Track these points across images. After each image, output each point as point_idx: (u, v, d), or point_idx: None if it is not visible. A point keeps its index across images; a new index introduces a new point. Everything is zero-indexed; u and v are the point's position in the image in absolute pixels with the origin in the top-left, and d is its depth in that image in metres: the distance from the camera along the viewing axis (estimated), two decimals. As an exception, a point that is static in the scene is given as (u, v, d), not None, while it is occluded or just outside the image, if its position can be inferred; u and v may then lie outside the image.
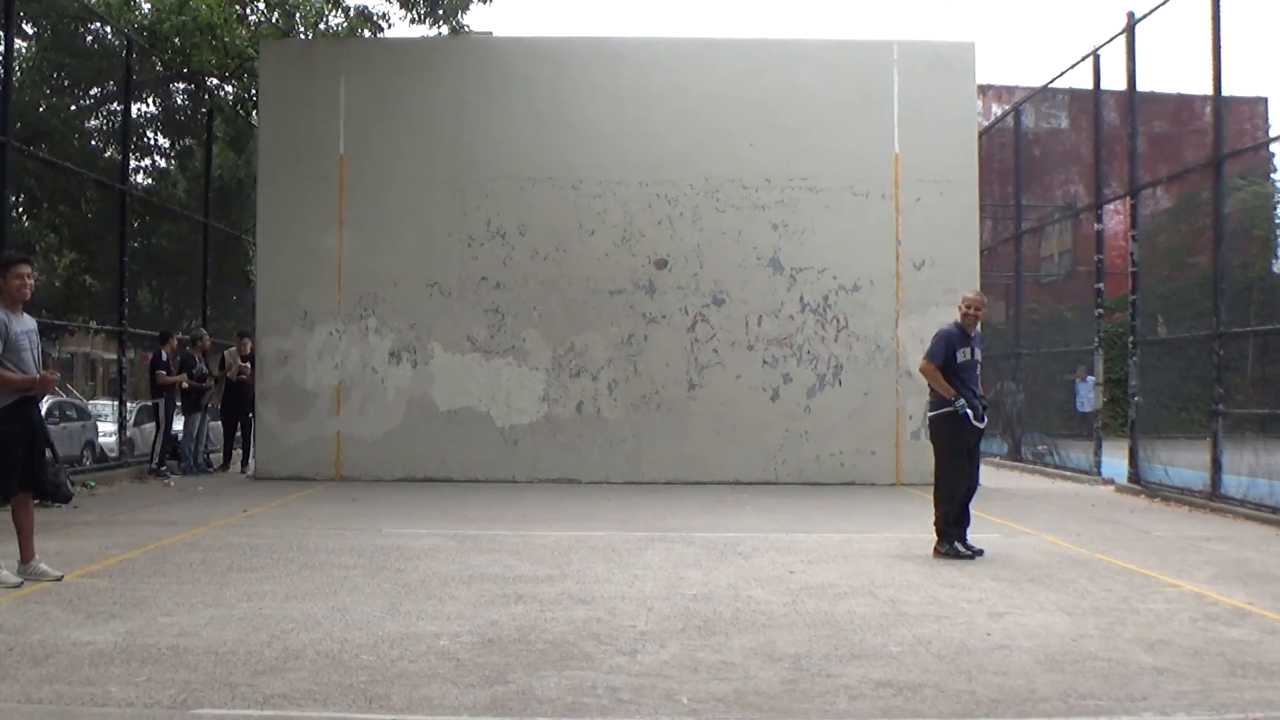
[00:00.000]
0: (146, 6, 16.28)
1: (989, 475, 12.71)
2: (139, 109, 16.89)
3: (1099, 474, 13.18)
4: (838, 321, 12.80)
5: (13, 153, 10.89)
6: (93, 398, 26.46)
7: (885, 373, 12.73)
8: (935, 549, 7.26)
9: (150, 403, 13.63)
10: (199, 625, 4.95)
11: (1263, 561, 7.16)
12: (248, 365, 14.05)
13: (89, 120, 17.11)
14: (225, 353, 14.93)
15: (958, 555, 7.12)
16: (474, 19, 14.48)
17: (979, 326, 7.71)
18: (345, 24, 16.78)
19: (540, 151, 12.95)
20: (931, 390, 7.57)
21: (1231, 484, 9.99)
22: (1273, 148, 18.70)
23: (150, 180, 18.14)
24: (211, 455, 14.70)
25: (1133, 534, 8.58)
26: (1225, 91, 10.54)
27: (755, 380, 12.77)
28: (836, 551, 7.45)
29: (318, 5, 16.65)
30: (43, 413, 6.56)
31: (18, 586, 5.77)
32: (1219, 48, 10.18)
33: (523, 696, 3.90)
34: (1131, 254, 12.25)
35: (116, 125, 16.03)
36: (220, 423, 15.00)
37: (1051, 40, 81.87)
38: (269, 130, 13.41)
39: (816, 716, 3.74)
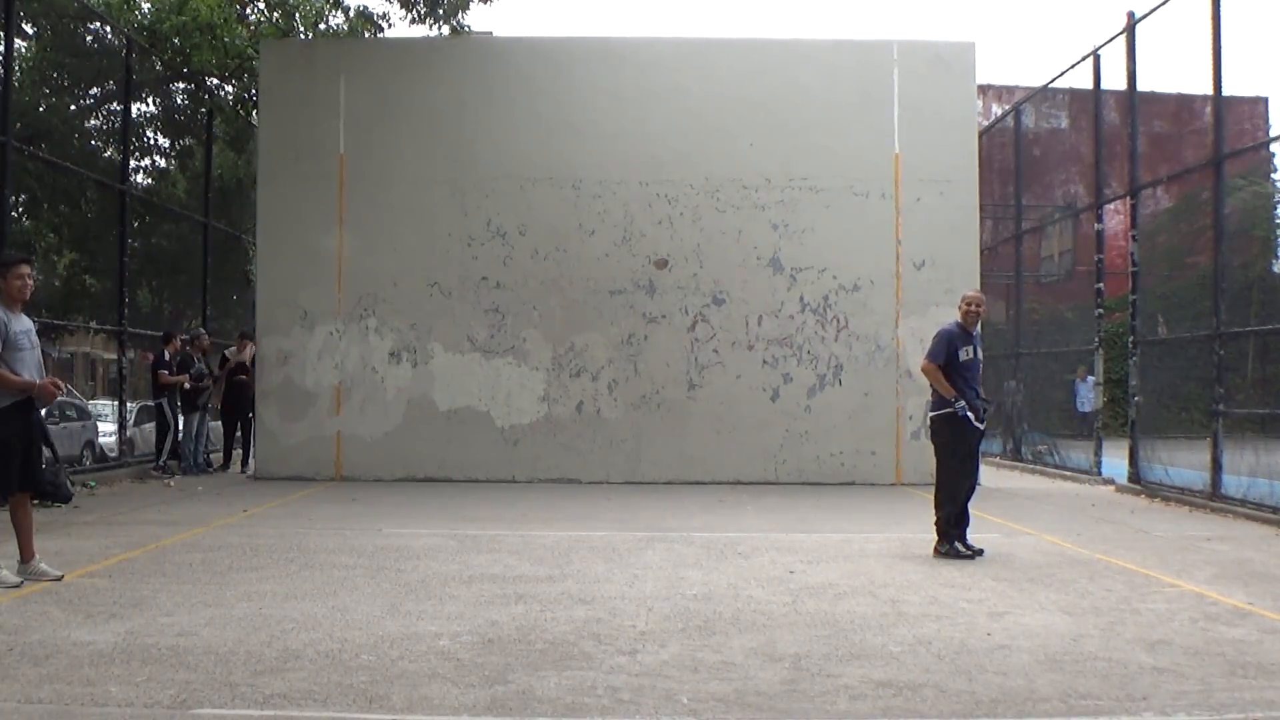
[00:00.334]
0: (146, 6, 16.28)
1: (989, 475, 12.73)
2: (139, 109, 16.90)
3: (1099, 474, 13.18)
4: (838, 321, 12.80)
5: (13, 153, 10.90)
6: (93, 398, 26.47)
7: (885, 373, 12.73)
8: (935, 549, 7.26)
9: (152, 403, 13.62)
10: (199, 625, 4.95)
11: (1263, 561, 7.16)
12: (247, 365, 14.05)
13: (89, 120, 17.11)
14: (225, 352, 14.93)
15: (958, 555, 7.13)
16: (474, 19, 14.47)
17: (979, 325, 7.70)
18: (345, 24, 16.77)
19: (540, 151, 12.95)
20: (933, 390, 7.57)
21: (1232, 484, 9.99)
22: (1273, 148, 18.69)
23: (150, 180, 18.14)
24: (211, 455, 14.70)
25: (1133, 534, 8.58)
26: (1225, 91, 10.54)
27: (755, 380, 12.77)
28: (836, 551, 7.45)
29: (318, 5, 16.64)
30: (42, 412, 6.56)
31: (18, 586, 5.77)
32: (1219, 48, 10.18)
33: (523, 696, 3.90)
34: (1131, 254, 12.25)
35: (116, 125, 16.03)
36: (220, 423, 15.00)
37: (1051, 40, 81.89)
38: (269, 130, 13.41)
39: (816, 716, 3.74)
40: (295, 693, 3.91)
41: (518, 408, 12.84)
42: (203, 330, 14.75)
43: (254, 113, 16.48)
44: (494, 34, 14.07)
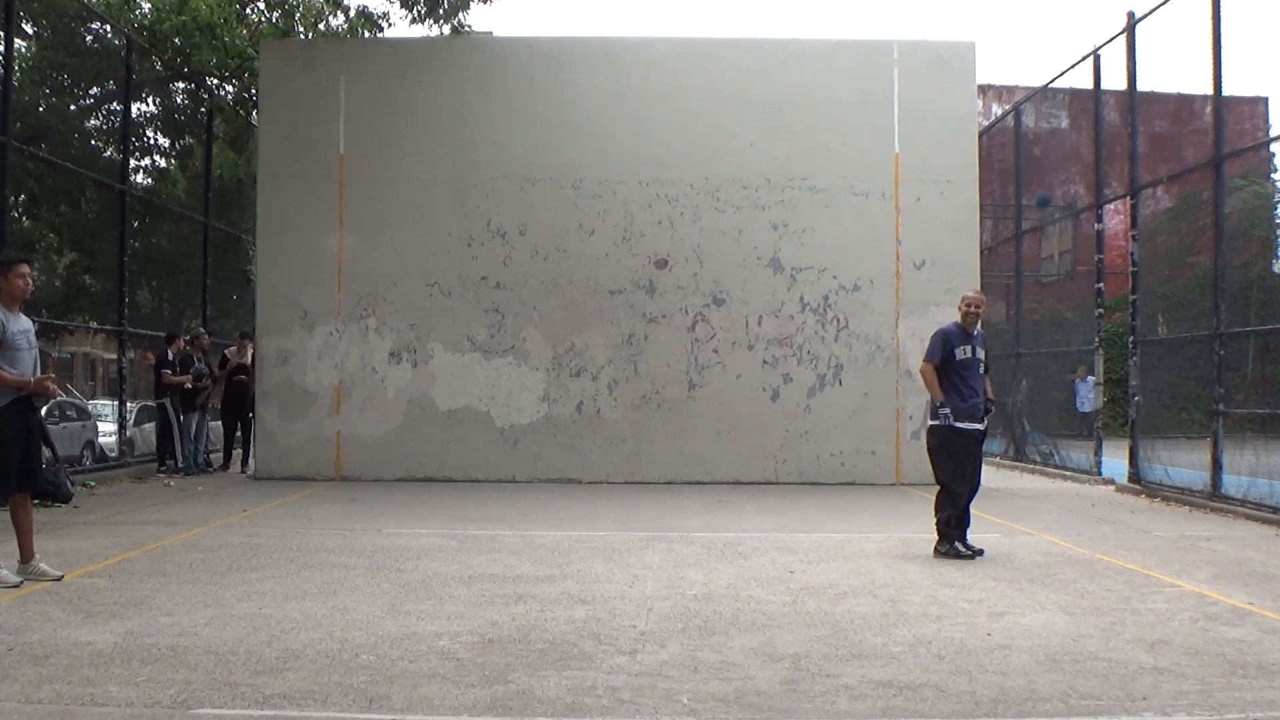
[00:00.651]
0: (146, 6, 16.27)
1: (989, 475, 12.71)
2: (139, 109, 16.90)
3: (1099, 474, 13.19)
4: (838, 321, 12.80)
5: (13, 153, 10.90)
6: (93, 398, 26.46)
7: (885, 373, 12.73)
8: (935, 548, 7.26)
9: (155, 403, 13.61)
10: (199, 625, 4.95)
11: (1263, 561, 7.16)
12: (247, 365, 14.05)
13: (89, 120, 17.11)
14: (226, 352, 14.93)
15: (958, 555, 7.13)
16: (474, 19, 14.45)
17: (980, 325, 7.69)
18: (345, 25, 16.76)
19: (540, 151, 12.95)
20: (929, 400, 7.56)
21: (1231, 484, 10.00)
22: (1273, 148, 18.66)
23: (150, 180, 18.14)
24: (211, 455, 14.70)
25: (1133, 534, 8.58)
26: (1225, 91, 10.54)
27: (755, 380, 12.77)
28: (836, 551, 7.45)
29: (318, 6, 16.63)
30: (42, 412, 6.56)
31: (17, 586, 5.77)
32: (1219, 48, 10.18)
33: (523, 696, 3.90)
34: (1131, 254, 12.25)
35: (116, 125, 16.03)
36: (220, 423, 15.00)
37: (1051, 40, 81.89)
38: (269, 130, 13.41)
39: (816, 716, 3.74)
40: (295, 693, 3.91)
41: (518, 408, 12.84)
42: (203, 330, 14.75)
43: (254, 113, 16.47)
44: (494, 34, 14.06)
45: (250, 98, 17.25)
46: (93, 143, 17.10)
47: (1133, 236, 12.33)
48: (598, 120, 13.00)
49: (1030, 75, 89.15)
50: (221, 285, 17.35)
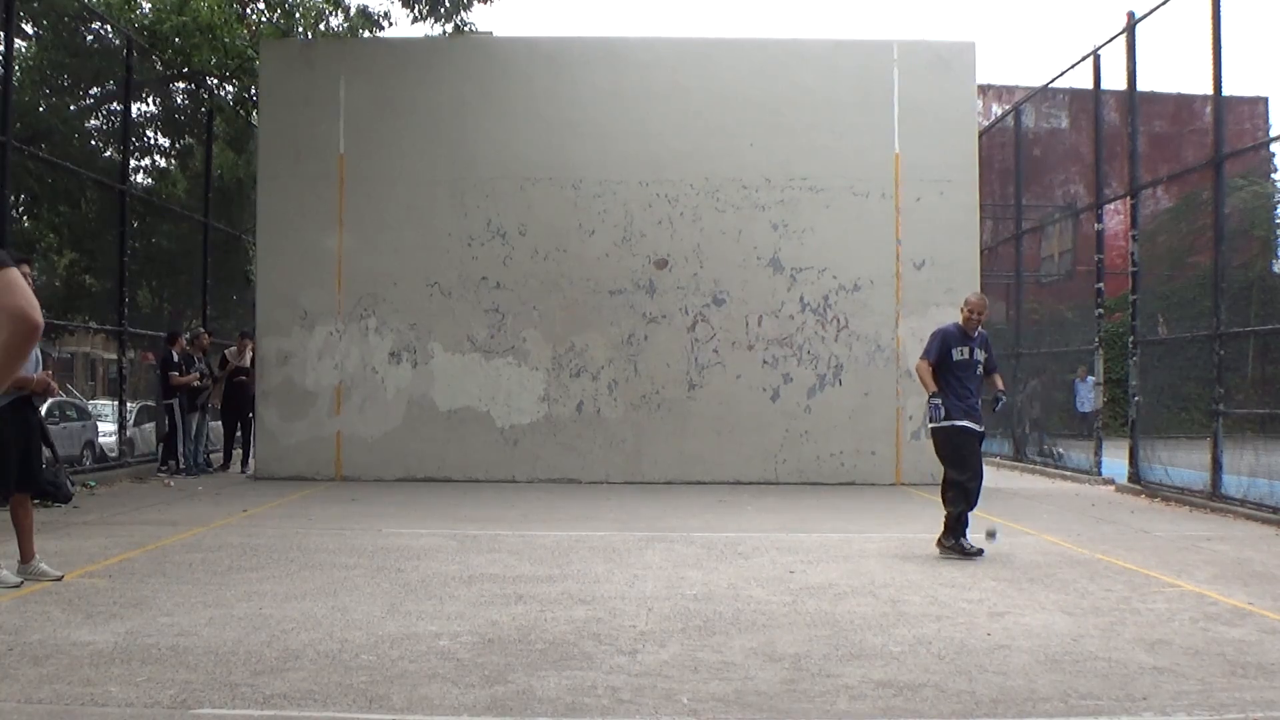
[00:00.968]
0: (146, 6, 16.27)
1: (989, 475, 12.70)
2: (139, 109, 16.88)
3: (1099, 474, 13.19)
4: (838, 321, 12.81)
5: (13, 153, 10.90)
6: (93, 398, 26.46)
7: (885, 373, 12.73)
8: (941, 541, 7.24)
9: (163, 403, 13.60)
10: (199, 625, 4.95)
11: (1263, 561, 7.16)
12: (246, 365, 14.05)
13: (89, 120, 17.10)
14: (226, 352, 14.93)
15: (964, 552, 7.10)
16: (475, 18, 14.45)
17: (981, 327, 7.70)
18: (345, 25, 16.75)
19: (540, 151, 12.95)
20: (933, 400, 7.56)
21: (1231, 484, 10.00)
22: (1273, 148, 18.69)
23: (150, 180, 18.13)
24: (211, 455, 14.70)
25: (1133, 534, 8.58)
26: (1225, 91, 10.55)
27: (755, 380, 12.77)
28: (836, 551, 7.45)
29: (318, 6, 16.63)
30: (42, 412, 6.56)
31: (18, 586, 5.77)
32: (1219, 48, 10.18)
33: (523, 696, 3.90)
34: (1131, 254, 12.25)
35: (116, 125, 16.02)
36: (220, 423, 15.00)
37: (1051, 40, 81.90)
38: (269, 130, 13.41)
39: (816, 716, 3.74)
40: (295, 693, 3.91)
41: (518, 408, 12.84)
42: (203, 330, 14.75)
43: (254, 113, 16.47)
44: (494, 34, 14.06)
45: (250, 98, 17.24)
46: (93, 143, 17.09)
47: (1133, 236, 12.33)
48: (598, 120, 13.00)
49: (1030, 75, 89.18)
50: (221, 285, 17.34)
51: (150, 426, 15.64)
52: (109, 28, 15.35)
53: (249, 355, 14.04)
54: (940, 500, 7.49)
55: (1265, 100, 27.12)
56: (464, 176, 12.97)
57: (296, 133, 13.08)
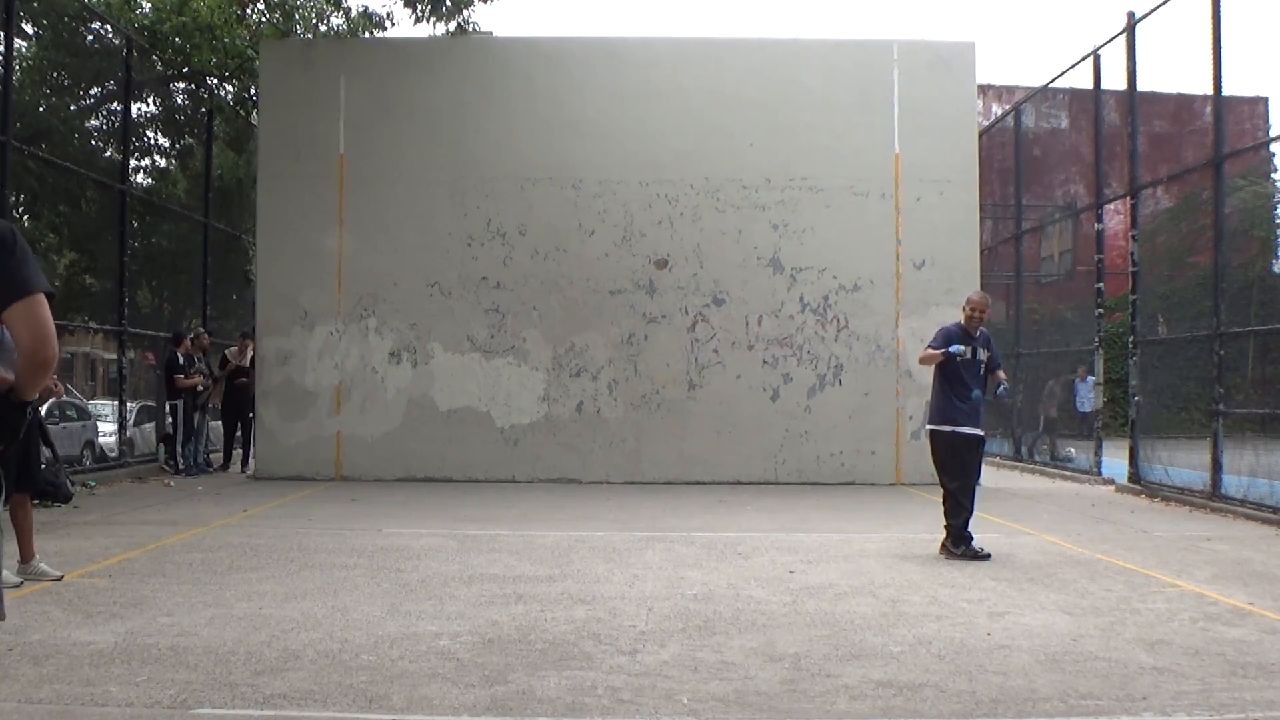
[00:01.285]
0: (146, 6, 16.26)
1: (989, 475, 12.73)
2: (139, 109, 16.88)
3: (1099, 474, 13.19)
4: (838, 321, 12.80)
5: (13, 153, 10.90)
6: (93, 398, 26.46)
7: (885, 373, 12.73)
8: (950, 549, 7.19)
9: (168, 403, 13.60)
10: (199, 625, 4.95)
11: (1263, 561, 7.16)
12: (245, 365, 14.05)
13: (89, 120, 17.10)
14: (226, 352, 14.93)
15: (976, 555, 7.08)
16: (476, 18, 14.44)
17: (983, 326, 7.69)
18: (345, 25, 16.75)
19: (540, 151, 12.95)
20: (936, 401, 7.51)
21: (1231, 484, 10.00)
22: (1273, 148, 18.68)
23: (150, 180, 18.13)
24: (211, 455, 14.70)
25: (1133, 534, 8.58)
26: (1225, 91, 10.55)
27: (755, 380, 12.77)
28: (836, 551, 7.45)
29: (318, 6, 16.62)
30: (42, 412, 6.55)
31: (17, 586, 5.77)
32: (1219, 48, 10.18)
33: (523, 696, 3.90)
34: (1131, 254, 12.25)
35: (116, 125, 16.03)
36: (220, 423, 15.00)
37: (1051, 40, 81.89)
38: (269, 130, 13.41)
39: (816, 716, 3.74)
40: (295, 693, 3.91)
41: (518, 408, 12.84)
42: (203, 330, 14.75)
43: (254, 113, 16.47)
44: (494, 34, 14.06)
45: (250, 98, 17.23)
46: (93, 143, 17.09)
47: (1133, 236, 12.33)
48: (598, 120, 13.00)
49: (1030, 75, 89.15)
50: (221, 285, 17.34)
51: (150, 426, 15.63)
52: (109, 28, 15.35)
53: (249, 355, 14.04)
54: (942, 503, 7.44)
55: (1265, 100, 27.12)
56: (464, 176, 12.97)
57: (296, 133, 13.08)
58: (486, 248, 12.93)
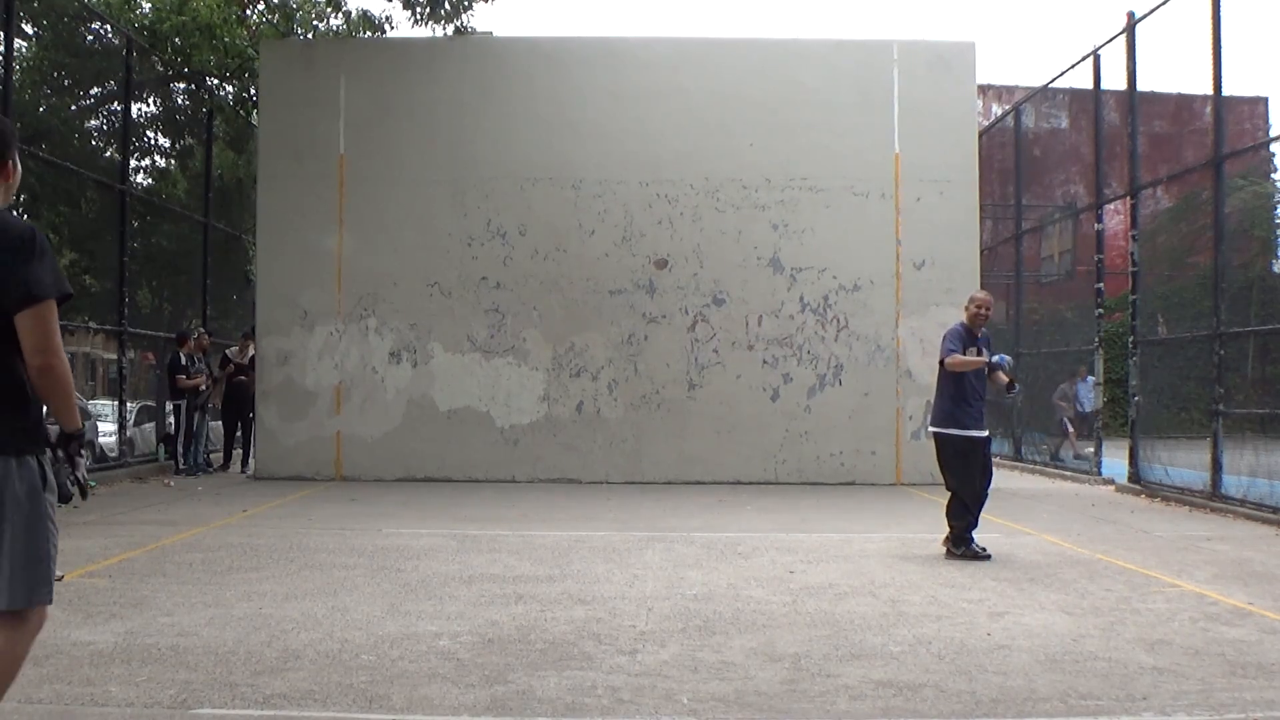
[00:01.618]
0: (146, 6, 16.28)
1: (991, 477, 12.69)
2: (139, 109, 16.88)
3: (1099, 474, 13.19)
4: (838, 321, 12.81)
5: (13, 153, 10.87)
6: (93, 398, 26.45)
7: (885, 373, 12.73)
8: (950, 550, 7.19)
9: (171, 403, 13.59)
10: (199, 625, 4.95)
11: (1263, 561, 7.16)
12: (244, 365, 14.04)
13: (89, 120, 17.10)
14: (227, 351, 14.93)
15: (976, 556, 7.08)
16: (475, 18, 14.45)
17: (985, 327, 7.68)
18: (345, 25, 16.76)
19: (540, 151, 12.95)
20: (935, 402, 7.46)
21: (1231, 484, 10.00)
22: (1273, 148, 18.68)
23: (150, 180, 18.13)
24: (211, 455, 14.70)
25: (1133, 534, 8.58)
26: (1225, 91, 10.54)
27: (755, 380, 12.77)
28: (836, 551, 7.45)
29: (318, 7, 16.62)
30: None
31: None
32: (1219, 48, 10.18)
33: (523, 696, 3.90)
34: (1131, 254, 12.25)
35: (116, 125, 16.03)
36: (220, 423, 15.00)
37: (1051, 40, 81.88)
38: (269, 130, 13.41)
39: (816, 716, 3.74)
40: (295, 693, 3.91)
41: (518, 408, 12.84)
42: (203, 330, 14.75)
43: (254, 113, 16.46)
44: (494, 34, 14.06)
45: (250, 98, 17.24)
46: (93, 143, 17.09)
47: (1133, 236, 12.33)
48: (598, 120, 13.00)
49: (1030, 75, 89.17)
50: (221, 285, 17.34)
51: (150, 426, 15.63)
52: (109, 28, 15.35)
53: (248, 355, 14.04)
54: (945, 506, 7.40)
55: (1265, 100, 27.13)
56: (464, 177, 12.97)
57: (296, 133, 13.08)
58: (486, 248, 12.94)
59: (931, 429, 7.53)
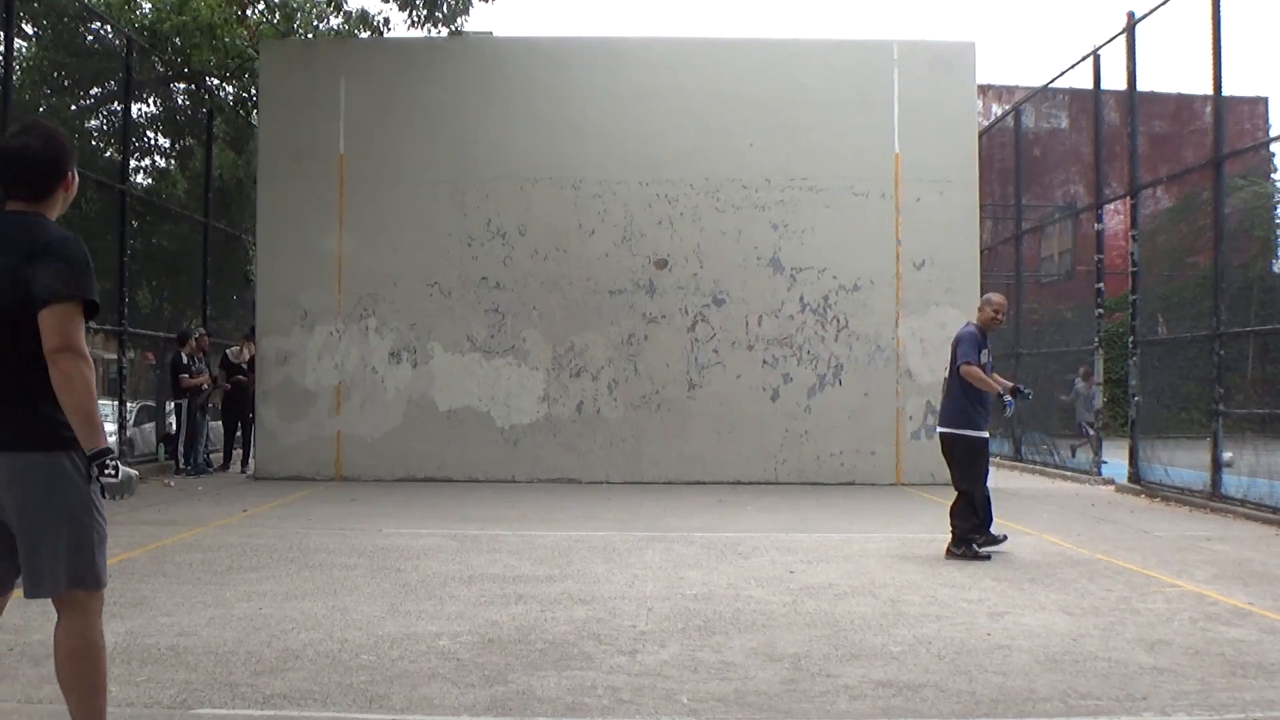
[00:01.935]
0: (147, 6, 16.28)
1: (990, 475, 12.70)
2: (139, 109, 16.89)
3: (1099, 474, 13.19)
4: (838, 321, 12.81)
5: (13, 153, 10.87)
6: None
7: (885, 373, 12.73)
8: (949, 549, 7.18)
9: (173, 403, 13.58)
10: (199, 625, 4.95)
11: (1263, 561, 7.16)
12: (242, 365, 14.05)
13: (89, 120, 17.12)
14: (227, 351, 14.94)
15: (975, 556, 7.08)
16: (475, 19, 14.44)
17: None
18: (344, 25, 16.76)
19: (540, 151, 12.95)
20: (956, 406, 7.39)
21: (1231, 484, 10.00)
22: (1273, 148, 18.70)
23: (150, 180, 18.13)
24: (211, 455, 14.70)
25: (1133, 534, 8.58)
26: (1225, 91, 10.54)
27: (755, 380, 12.77)
28: (836, 551, 7.45)
29: (318, 7, 16.63)
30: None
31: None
32: (1219, 48, 10.18)
33: (523, 696, 3.90)
34: (1131, 254, 12.25)
35: (116, 125, 16.04)
36: (220, 423, 15.00)
37: (1051, 40, 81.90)
38: (269, 130, 13.41)
39: (816, 716, 3.74)
40: (295, 693, 3.91)
41: (518, 408, 12.84)
42: (203, 330, 14.75)
43: (254, 113, 16.47)
44: (494, 34, 14.06)
45: (250, 98, 17.24)
46: (93, 143, 17.09)
47: (1133, 236, 12.33)
48: (598, 120, 13.00)
49: (1030, 75, 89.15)
50: (221, 285, 17.34)
51: (150, 426, 15.63)
52: (109, 28, 15.36)
53: (244, 356, 14.04)
54: (950, 506, 7.38)
55: (1265, 100, 27.16)
56: (464, 177, 12.97)
57: (296, 133, 13.07)
58: (486, 248, 12.94)
59: (944, 429, 7.47)
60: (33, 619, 5.03)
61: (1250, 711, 3.79)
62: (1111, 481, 12.67)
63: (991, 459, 13.76)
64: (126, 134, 14.75)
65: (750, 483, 12.47)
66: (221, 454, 14.86)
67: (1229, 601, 5.72)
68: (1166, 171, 14.64)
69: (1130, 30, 12.21)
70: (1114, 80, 13.14)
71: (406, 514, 9.52)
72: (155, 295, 17.74)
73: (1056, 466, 14.54)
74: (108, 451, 2.88)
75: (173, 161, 18.96)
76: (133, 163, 16.27)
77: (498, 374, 12.86)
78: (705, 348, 12.83)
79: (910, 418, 12.62)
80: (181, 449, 13.34)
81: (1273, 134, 25.04)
